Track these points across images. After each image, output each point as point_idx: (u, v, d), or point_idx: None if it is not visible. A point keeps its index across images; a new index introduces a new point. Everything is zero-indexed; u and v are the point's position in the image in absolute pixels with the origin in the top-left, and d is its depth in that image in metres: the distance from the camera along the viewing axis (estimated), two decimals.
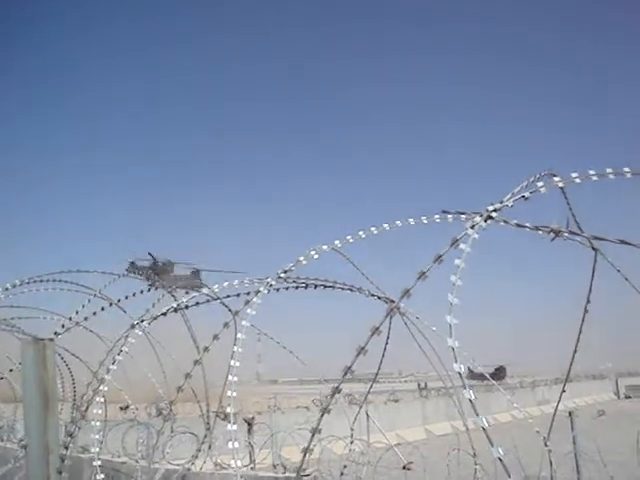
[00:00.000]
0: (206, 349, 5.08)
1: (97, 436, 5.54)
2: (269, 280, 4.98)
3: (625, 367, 71.13)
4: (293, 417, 29.11)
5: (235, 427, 4.20)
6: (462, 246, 3.36)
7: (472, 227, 3.50)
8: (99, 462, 5.96)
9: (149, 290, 7.85)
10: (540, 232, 3.73)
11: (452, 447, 13.64)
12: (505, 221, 3.71)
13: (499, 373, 79.61)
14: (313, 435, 4.06)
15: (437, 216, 4.38)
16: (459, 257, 3.23)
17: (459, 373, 2.90)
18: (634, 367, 71.86)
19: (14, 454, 10.71)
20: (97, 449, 5.65)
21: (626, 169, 3.50)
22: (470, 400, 3.09)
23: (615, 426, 33.38)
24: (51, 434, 4.66)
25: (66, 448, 4.85)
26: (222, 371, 5.99)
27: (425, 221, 4.37)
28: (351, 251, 5.38)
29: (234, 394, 4.12)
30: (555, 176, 3.69)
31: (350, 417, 15.65)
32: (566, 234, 3.74)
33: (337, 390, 4.19)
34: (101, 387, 5.53)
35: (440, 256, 3.37)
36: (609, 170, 3.59)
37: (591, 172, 3.62)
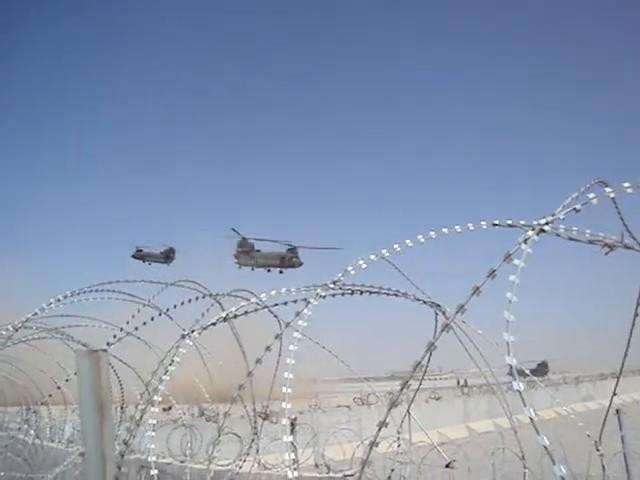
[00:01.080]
0: (258, 361, 5.16)
1: (152, 446, 5.67)
2: (318, 291, 5.05)
3: None
4: (335, 416, 29.25)
5: (291, 438, 4.28)
6: (516, 261, 3.36)
7: (525, 241, 3.50)
8: (156, 471, 6.09)
9: (196, 299, 7.98)
10: (594, 245, 3.72)
11: (496, 446, 13.53)
12: (558, 234, 3.70)
13: (541, 369, 78.72)
14: (371, 448, 4.12)
15: (484, 223, 4.38)
16: (513, 272, 3.24)
17: (518, 391, 2.90)
18: None
19: (64, 455, 10.98)
20: (154, 458, 5.78)
21: None
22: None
23: None
24: (107, 442, 4.78)
25: (122, 456, 4.98)
26: (263, 370, 6.07)
27: (472, 228, 4.39)
28: (398, 258, 5.40)
29: (288, 406, 4.20)
30: (607, 186, 3.67)
31: (394, 416, 15.61)
32: (621, 248, 3.72)
33: (393, 404, 4.22)
34: (155, 397, 5.66)
35: (494, 271, 3.38)
36: None
37: None
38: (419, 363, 3.63)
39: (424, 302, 6.16)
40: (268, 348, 5.05)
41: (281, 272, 78.50)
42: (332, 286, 5.09)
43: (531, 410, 2.81)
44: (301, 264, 78.17)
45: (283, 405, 4.15)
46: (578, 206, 3.72)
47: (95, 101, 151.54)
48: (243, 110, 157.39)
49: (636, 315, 5.80)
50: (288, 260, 78.20)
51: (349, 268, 4.76)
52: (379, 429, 3.69)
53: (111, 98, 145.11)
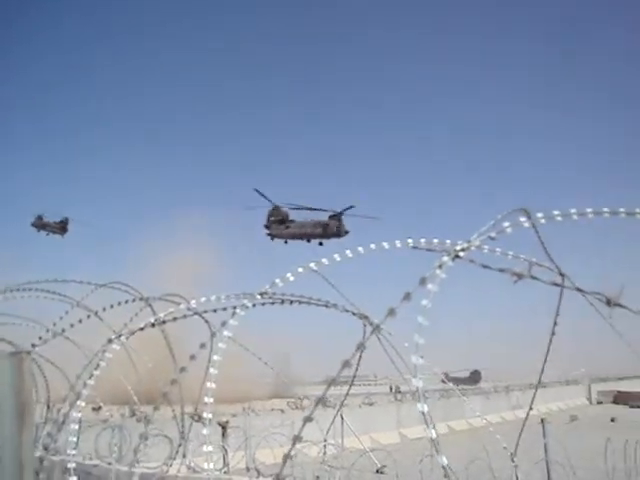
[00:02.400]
0: (183, 369, 5.14)
1: (74, 438, 5.60)
2: (245, 302, 5.09)
3: (597, 373, 72.19)
4: (268, 419, 29.18)
5: (211, 448, 4.31)
6: (429, 286, 3.47)
7: (440, 267, 3.62)
8: (74, 464, 6.02)
9: (126, 302, 7.92)
10: (504, 274, 3.88)
11: (425, 452, 13.78)
12: (472, 261, 3.86)
13: (474, 377, 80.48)
14: (294, 443, 4.16)
15: (410, 241, 4.51)
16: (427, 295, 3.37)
17: (423, 413, 3.02)
18: (606, 373, 72.95)
19: None
20: (73, 451, 5.71)
21: (589, 209, 3.67)
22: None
23: (586, 431, 33.96)
24: (26, 449, 4.70)
25: (41, 462, 4.90)
26: (196, 374, 6.08)
27: (387, 247, 4.50)
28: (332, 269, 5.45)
29: (210, 415, 4.22)
30: (527, 214, 3.83)
31: (326, 421, 15.76)
32: (527, 278, 3.90)
33: (320, 401, 4.30)
34: (78, 402, 5.59)
35: (409, 294, 3.49)
36: (573, 210, 3.75)
37: (555, 212, 3.79)
38: (333, 379, 3.72)
39: (353, 313, 6.27)
40: (193, 357, 5.05)
41: (321, 244, 67.01)
42: (259, 297, 5.15)
43: (433, 431, 2.92)
44: (347, 233, 65.97)
45: (205, 415, 4.18)
46: (493, 234, 3.88)
47: (95, 100, 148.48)
48: (243, 109, 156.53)
49: (553, 334, 6.07)
50: (332, 228, 65.70)
51: (277, 280, 4.83)
52: (304, 424, 3.76)
53: (111, 97, 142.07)
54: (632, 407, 57.44)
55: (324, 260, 4.70)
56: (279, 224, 68.22)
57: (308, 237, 67.92)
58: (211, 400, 4.25)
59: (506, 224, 3.83)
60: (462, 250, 3.82)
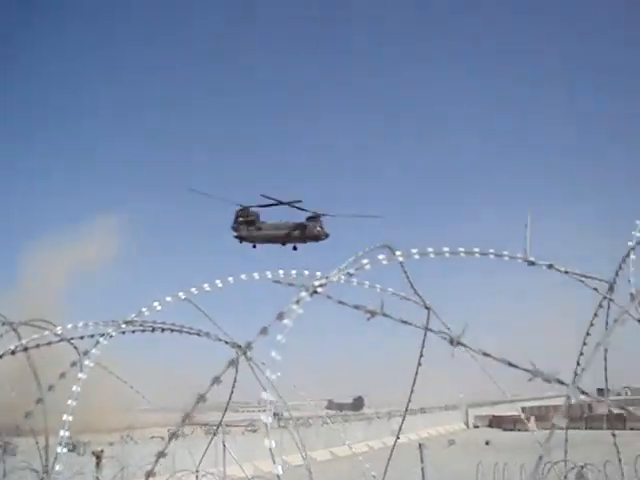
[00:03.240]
0: (39, 401, 4.92)
1: None
2: (109, 331, 4.97)
3: (474, 398, 75.20)
4: (148, 448, 28.31)
5: (59, 467, 4.15)
6: (286, 321, 3.52)
7: (297, 302, 3.68)
8: None
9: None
10: (359, 310, 4.01)
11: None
12: (329, 296, 3.98)
13: (357, 403, 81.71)
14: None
15: (281, 271, 4.58)
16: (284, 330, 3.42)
17: (270, 449, 3.05)
18: (482, 398, 76.13)
19: None
20: None
21: (445, 248, 3.88)
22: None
23: (462, 455, 35.41)
24: None
25: None
26: (65, 398, 5.85)
27: (257, 277, 4.56)
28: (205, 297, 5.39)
29: (64, 450, 4.07)
30: (391, 250, 3.99)
31: (210, 449, 15.52)
32: (380, 315, 4.04)
33: (174, 436, 4.24)
34: None
35: (265, 328, 3.53)
36: (430, 249, 3.94)
37: (414, 251, 3.98)
38: (188, 414, 3.69)
39: (226, 342, 6.26)
40: (51, 388, 4.85)
41: (295, 248, 61.18)
42: (124, 326, 5.04)
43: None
44: (327, 235, 59.95)
45: (58, 450, 4.03)
46: (352, 270, 4.01)
47: (97, 105, 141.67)
48: (243, 109, 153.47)
49: (419, 365, 6.31)
50: (310, 231, 59.22)
51: (143, 309, 4.76)
52: (157, 459, 3.68)
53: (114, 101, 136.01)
54: (505, 430, 60.68)
55: (193, 289, 4.68)
56: (249, 225, 61.00)
57: (282, 240, 61.56)
58: (67, 433, 4.10)
59: (365, 261, 3.96)
60: (320, 286, 3.91)
